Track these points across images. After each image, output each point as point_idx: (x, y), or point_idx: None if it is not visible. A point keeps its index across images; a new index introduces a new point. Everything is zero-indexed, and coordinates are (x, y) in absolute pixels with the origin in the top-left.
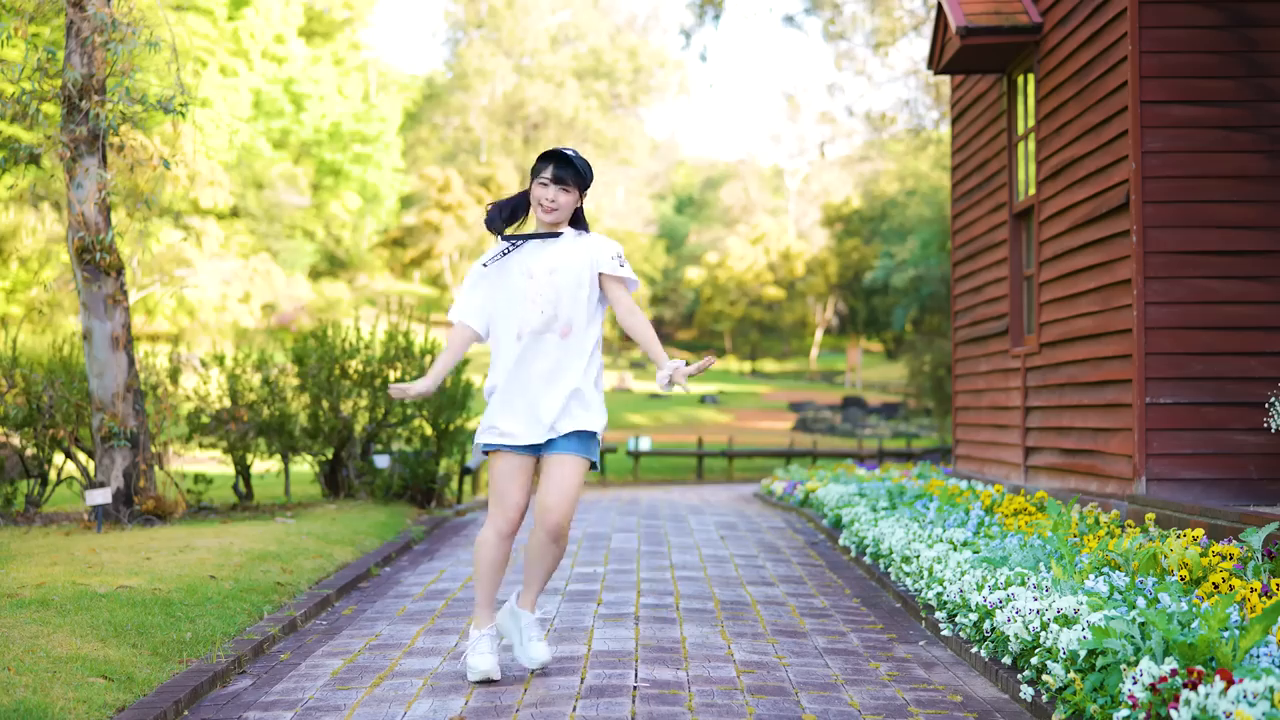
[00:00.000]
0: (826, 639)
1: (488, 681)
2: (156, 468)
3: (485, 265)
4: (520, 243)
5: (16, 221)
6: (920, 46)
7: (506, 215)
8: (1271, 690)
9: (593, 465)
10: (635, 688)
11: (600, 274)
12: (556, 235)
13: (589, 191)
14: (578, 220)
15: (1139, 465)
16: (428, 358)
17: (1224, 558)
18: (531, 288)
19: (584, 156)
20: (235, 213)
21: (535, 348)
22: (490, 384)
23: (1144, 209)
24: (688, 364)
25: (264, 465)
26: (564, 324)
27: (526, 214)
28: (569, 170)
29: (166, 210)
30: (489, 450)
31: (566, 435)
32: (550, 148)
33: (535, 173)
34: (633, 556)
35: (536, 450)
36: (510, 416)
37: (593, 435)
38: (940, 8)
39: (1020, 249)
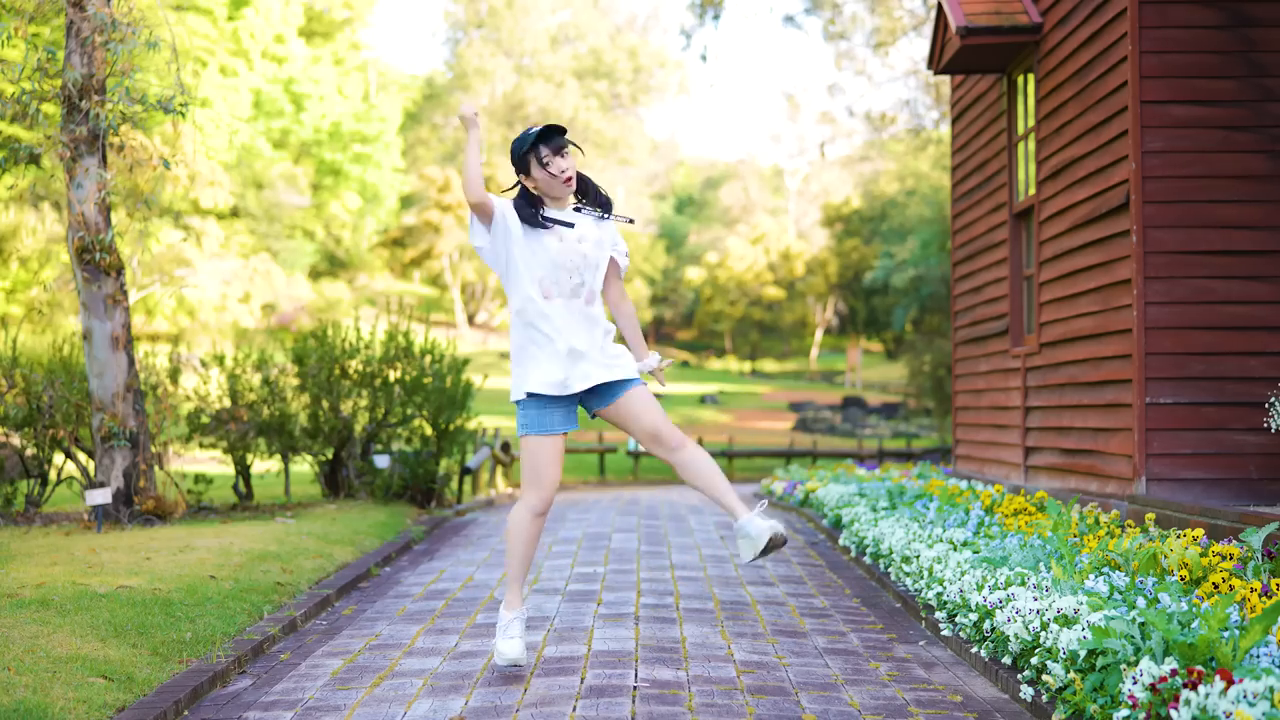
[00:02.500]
0: (826, 639)
1: (500, 674)
2: (156, 468)
3: (537, 216)
4: (538, 208)
5: (16, 221)
6: (920, 46)
7: (533, 207)
8: (1271, 690)
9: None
10: (635, 688)
11: (611, 257)
12: (580, 207)
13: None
14: (585, 188)
15: (1139, 465)
16: (427, 358)
17: (1224, 558)
18: (563, 251)
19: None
20: (235, 213)
21: (567, 310)
22: (520, 341)
23: (1144, 209)
24: (662, 360)
25: (264, 465)
26: (589, 291)
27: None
28: (559, 137)
29: (166, 210)
30: (527, 434)
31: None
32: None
33: (534, 155)
34: (633, 556)
35: (569, 415)
36: (553, 365)
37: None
38: (940, 8)
39: (1020, 249)
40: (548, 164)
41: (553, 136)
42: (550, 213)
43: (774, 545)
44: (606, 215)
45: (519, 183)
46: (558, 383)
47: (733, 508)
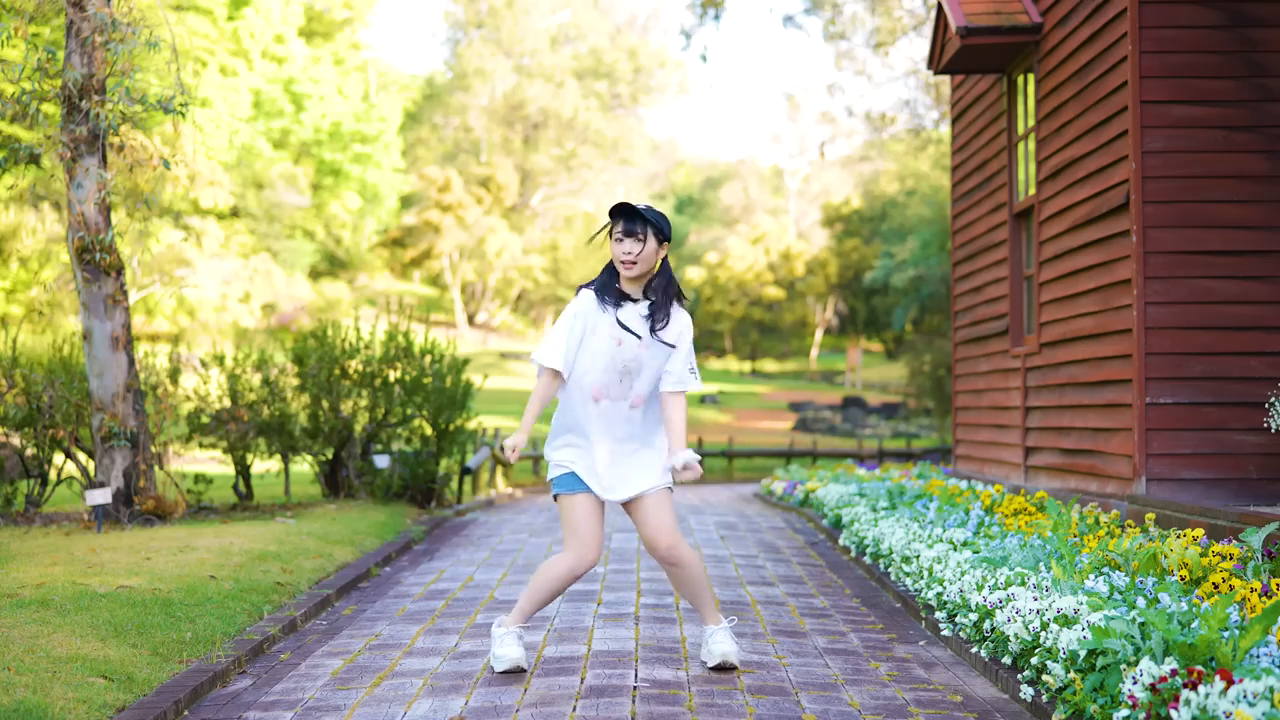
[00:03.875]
0: (826, 639)
1: (508, 673)
2: (156, 468)
3: (575, 315)
4: (614, 303)
5: (16, 221)
6: (920, 46)
7: (613, 284)
8: (1271, 690)
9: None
10: (635, 688)
11: (670, 367)
12: (649, 301)
13: (668, 244)
14: (663, 274)
15: (1139, 465)
16: (427, 358)
17: (1224, 558)
18: (619, 355)
19: (656, 209)
20: (235, 213)
21: (614, 413)
22: (562, 423)
23: (1144, 209)
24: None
25: (264, 465)
26: (636, 396)
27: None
28: (638, 221)
29: (166, 210)
30: (562, 492)
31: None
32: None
33: (610, 231)
34: (633, 556)
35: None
36: (591, 463)
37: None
38: (940, 8)
39: (1020, 249)
40: (618, 241)
41: (633, 216)
42: (622, 316)
43: (721, 668)
44: (660, 327)
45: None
46: (592, 477)
47: (704, 615)
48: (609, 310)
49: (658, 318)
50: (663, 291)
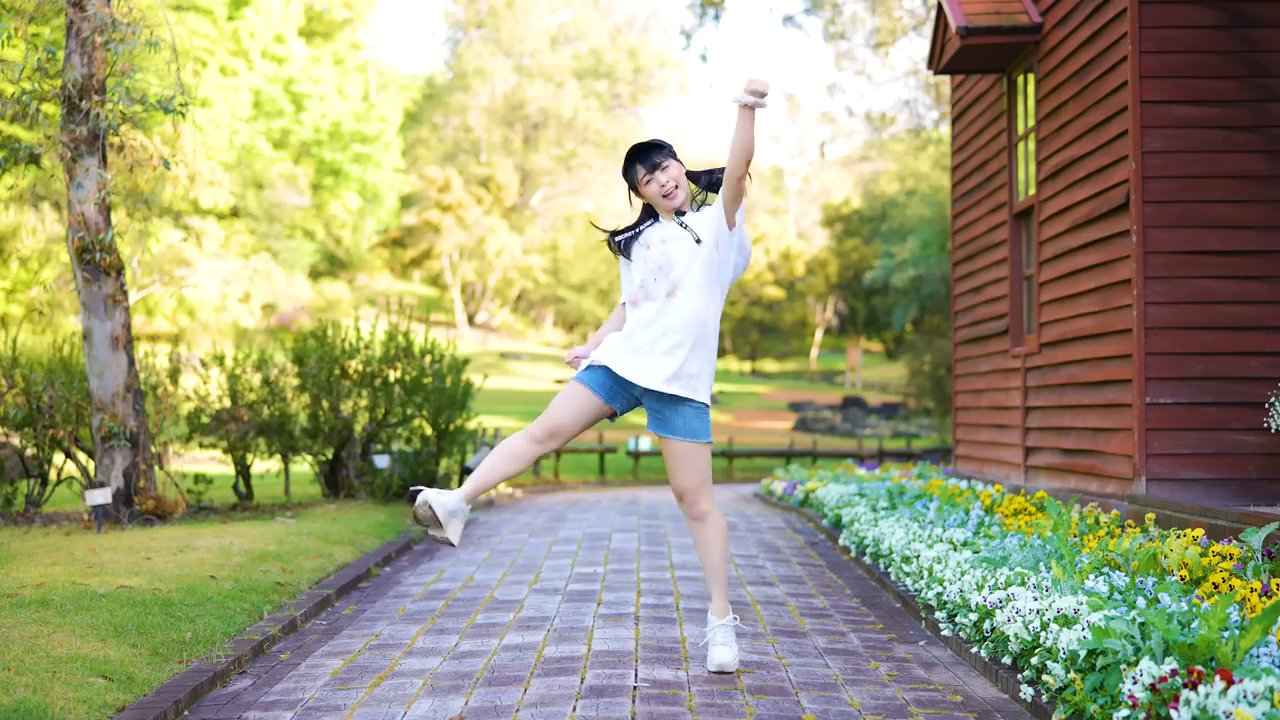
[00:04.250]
0: (826, 639)
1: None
2: (156, 468)
3: (618, 242)
4: (643, 227)
5: (16, 221)
6: (920, 46)
7: (642, 222)
8: (1271, 690)
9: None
10: (635, 688)
11: (723, 217)
12: (675, 218)
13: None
14: (695, 178)
15: (1139, 465)
16: (427, 358)
17: (1224, 558)
18: (648, 256)
19: (654, 138)
20: (235, 213)
21: (651, 311)
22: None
23: (1144, 209)
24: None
25: (264, 465)
26: (670, 284)
27: (655, 217)
28: (653, 153)
29: (166, 210)
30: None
31: (680, 417)
32: (631, 148)
33: (633, 183)
34: (633, 556)
35: (619, 399)
36: (617, 345)
37: (701, 411)
38: (940, 8)
39: (1020, 249)
40: (648, 183)
41: (646, 155)
42: (639, 235)
43: (720, 670)
44: (693, 213)
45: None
46: (609, 354)
47: (715, 602)
48: (640, 232)
49: (691, 210)
50: (710, 183)
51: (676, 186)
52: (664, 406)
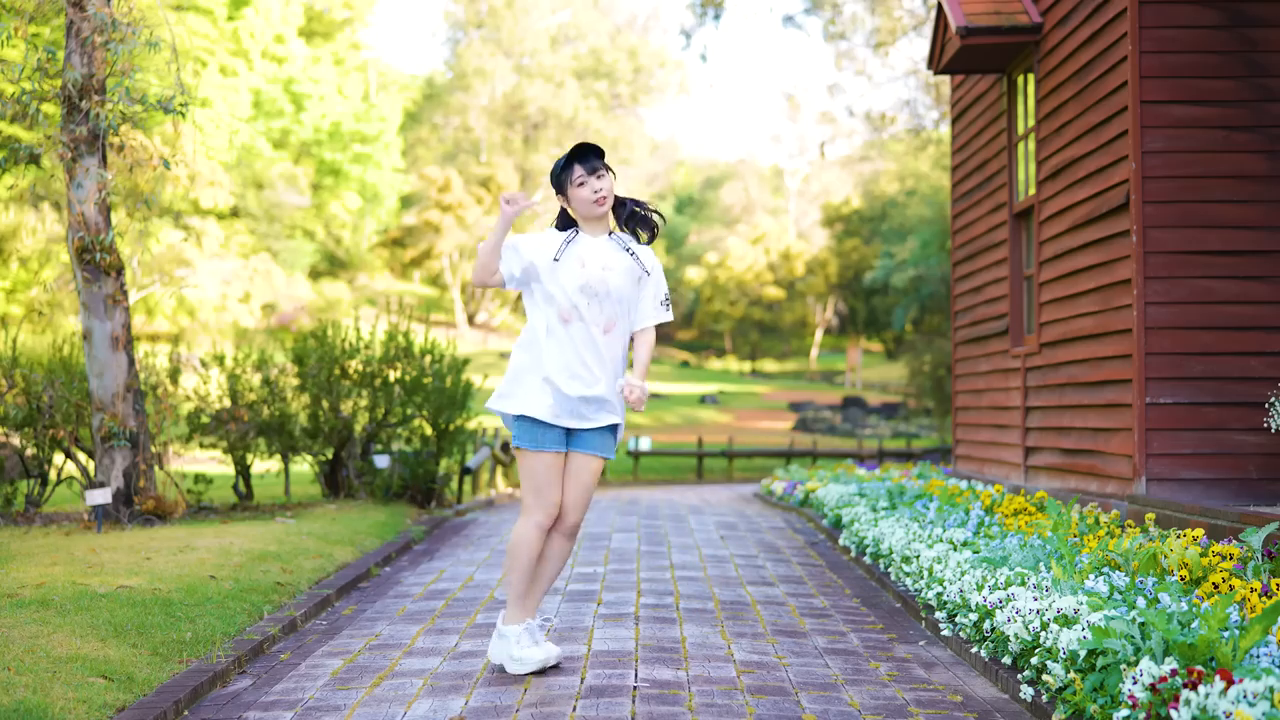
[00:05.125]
0: (826, 639)
1: (501, 671)
2: (156, 468)
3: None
4: (575, 235)
5: (16, 221)
6: (920, 46)
7: (566, 229)
8: (1271, 690)
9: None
10: (635, 688)
11: (642, 300)
12: (609, 234)
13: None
14: (623, 203)
15: (1139, 465)
16: (427, 358)
17: (1224, 558)
18: (584, 274)
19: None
20: (235, 213)
21: (579, 334)
22: (523, 362)
23: (1144, 209)
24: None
25: (264, 465)
26: (608, 319)
27: (575, 226)
28: (594, 158)
29: (166, 210)
30: (522, 447)
31: (592, 432)
32: (566, 149)
33: (567, 177)
34: (633, 556)
35: (564, 444)
36: (547, 398)
37: (614, 430)
38: (940, 8)
39: (1020, 249)
40: (582, 185)
41: (587, 157)
42: (572, 242)
43: (542, 666)
44: (637, 244)
45: (561, 207)
46: (547, 409)
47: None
48: (573, 240)
49: (636, 238)
50: (629, 215)
51: (606, 198)
52: (593, 431)
